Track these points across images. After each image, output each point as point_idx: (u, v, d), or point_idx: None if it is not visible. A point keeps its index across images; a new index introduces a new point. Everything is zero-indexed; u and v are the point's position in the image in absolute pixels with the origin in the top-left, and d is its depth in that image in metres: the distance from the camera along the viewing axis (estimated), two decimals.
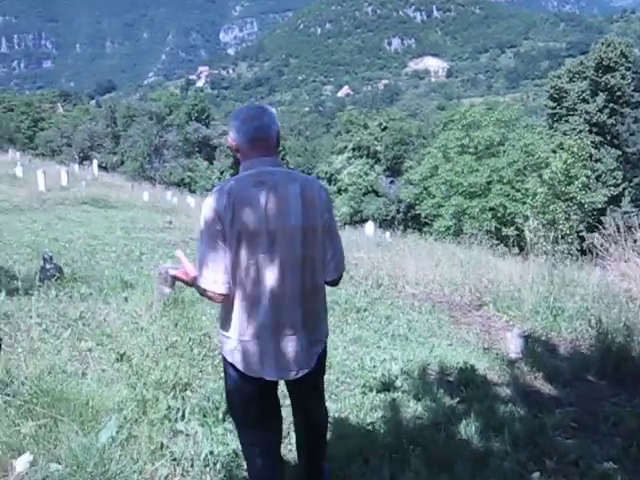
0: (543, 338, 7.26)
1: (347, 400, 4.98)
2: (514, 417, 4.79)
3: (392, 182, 55.67)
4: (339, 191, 56.90)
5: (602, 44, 42.90)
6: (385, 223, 44.17)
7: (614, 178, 40.42)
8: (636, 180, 41.37)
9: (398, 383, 5.40)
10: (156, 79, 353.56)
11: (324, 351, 3.16)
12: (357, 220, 46.57)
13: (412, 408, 4.90)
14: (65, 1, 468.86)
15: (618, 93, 42.19)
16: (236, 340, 2.91)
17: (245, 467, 3.51)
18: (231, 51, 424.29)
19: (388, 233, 23.64)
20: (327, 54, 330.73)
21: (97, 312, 6.57)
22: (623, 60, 42.13)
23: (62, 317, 6.30)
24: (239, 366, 2.93)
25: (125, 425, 3.78)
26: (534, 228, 12.18)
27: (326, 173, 59.42)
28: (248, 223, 2.78)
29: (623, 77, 42.15)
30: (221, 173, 64.09)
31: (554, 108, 45.03)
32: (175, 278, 3.08)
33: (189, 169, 62.15)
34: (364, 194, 55.87)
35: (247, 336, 2.88)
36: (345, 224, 35.32)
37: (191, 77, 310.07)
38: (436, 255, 12.50)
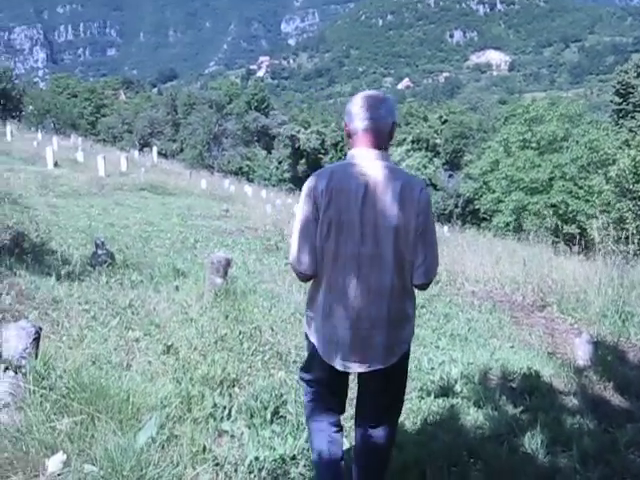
0: (612, 344, 6.83)
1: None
2: (583, 431, 4.44)
3: (451, 176, 55.09)
4: None
5: None
6: (443, 217, 43.58)
7: None
8: None
9: (457, 388, 5.10)
10: (217, 68, 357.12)
11: (405, 355, 3.01)
12: None
13: (472, 416, 4.59)
14: None
15: None
16: (318, 322, 2.94)
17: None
18: (292, 41, 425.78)
19: (446, 227, 23.32)
20: (388, 46, 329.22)
21: (147, 300, 6.41)
22: None
23: (111, 304, 6.15)
24: (316, 347, 2.96)
25: (167, 424, 3.56)
26: (600, 226, 11.63)
27: None
28: (341, 212, 2.76)
29: None
30: (279, 163, 64.34)
31: (620, 104, 43.80)
32: None
33: (247, 158, 62.36)
34: None
35: (327, 323, 2.89)
36: None
37: (252, 67, 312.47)
38: (496, 251, 12.12)
